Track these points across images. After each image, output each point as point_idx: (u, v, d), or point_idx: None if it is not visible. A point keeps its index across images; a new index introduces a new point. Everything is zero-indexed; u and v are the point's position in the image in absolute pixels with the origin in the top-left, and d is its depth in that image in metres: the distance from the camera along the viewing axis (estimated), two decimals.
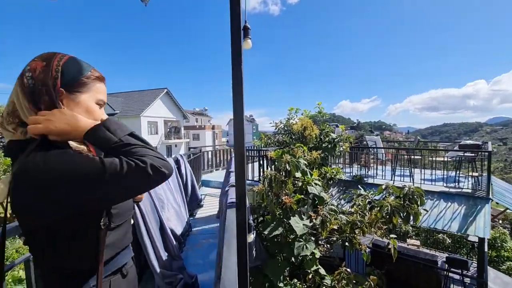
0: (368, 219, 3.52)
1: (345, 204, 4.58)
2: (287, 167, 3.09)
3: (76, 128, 0.67)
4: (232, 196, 1.21)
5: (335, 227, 3.70)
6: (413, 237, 8.91)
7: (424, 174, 5.24)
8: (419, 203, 3.16)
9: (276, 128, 5.04)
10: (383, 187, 3.40)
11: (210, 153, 7.99)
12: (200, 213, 3.55)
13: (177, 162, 3.21)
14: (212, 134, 44.88)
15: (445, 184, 4.92)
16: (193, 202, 3.39)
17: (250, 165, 5.15)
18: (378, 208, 3.31)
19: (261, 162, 4.71)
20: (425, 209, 3.63)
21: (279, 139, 5.08)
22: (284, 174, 3.24)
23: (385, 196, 3.38)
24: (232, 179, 1.72)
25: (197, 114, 55.08)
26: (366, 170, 5.81)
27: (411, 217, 3.19)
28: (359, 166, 6.00)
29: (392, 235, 3.43)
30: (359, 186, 3.56)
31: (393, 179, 5.07)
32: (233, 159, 3.24)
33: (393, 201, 3.10)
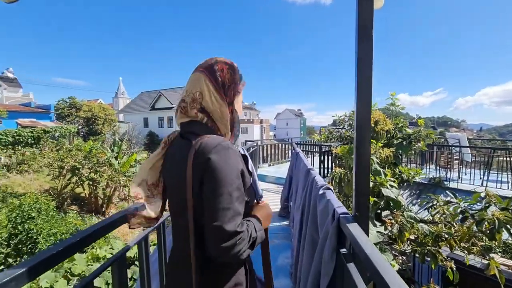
0: (458, 231, 2.94)
1: (421, 210, 3.96)
2: None
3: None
4: (337, 204, 0.97)
5: (412, 237, 3.20)
6: (499, 253, 7.46)
7: None
8: None
9: (338, 122, 4.61)
10: (482, 194, 2.78)
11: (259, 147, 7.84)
12: None
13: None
14: (260, 128, 45.30)
15: None
16: (255, 198, 3.23)
17: (309, 159, 4.85)
18: (476, 220, 2.72)
19: (322, 157, 4.37)
20: None
21: (342, 134, 4.64)
22: None
23: (485, 206, 2.76)
24: (318, 178, 1.48)
25: (246, 108, 56.11)
26: (447, 172, 4.95)
27: None
28: (437, 167, 5.15)
29: (492, 255, 2.80)
30: (446, 191, 2.98)
31: (484, 184, 4.19)
32: (300, 154, 2.98)
33: (501, 213, 2.49)
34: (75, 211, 10.72)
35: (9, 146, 14.82)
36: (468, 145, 5.27)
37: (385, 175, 3.18)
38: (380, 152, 3.54)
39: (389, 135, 3.95)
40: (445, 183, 4.54)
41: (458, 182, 4.52)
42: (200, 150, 0.74)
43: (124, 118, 32.98)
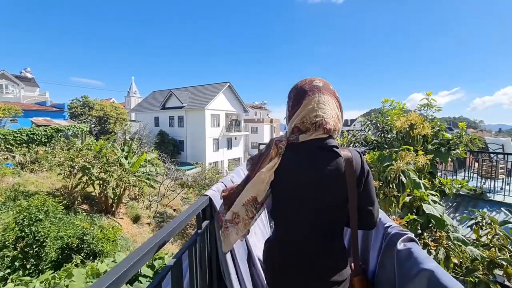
0: None
1: (461, 226, 3.47)
2: (403, 178, 2.28)
3: None
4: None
5: (455, 260, 2.74)
6: None
7: None
8: None
9: (364, 124, 4.16)
10: None
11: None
12: None
13: None
14: (270, 127, 44.82)
15: None
16: None
17: None
18: None
19: None
20: None
21: (367, 138, 4.18)
22: (394, 187, 2.44)
23: None
24: (384, 217, 1.09)
25: (256, 108, 55.73)
26: (484, 182, 4.38)
27: None
28: (479, 176, 4.56)
29: None
30: (500, 207, 2.50)
31: None
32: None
33: None
34: (85, 211, 10.66)
35: (24, 145, 15.05)
36: None
37: (426, 188, 2.73)
38: (417, 160, 3.08)
39: (423, 141, 3.48)
40: (488, 195, 3.98)
41: (505, 195, 3.92)
42: (356, 160, 0.98)
43: (136, 117, 33.25)
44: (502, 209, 2.58)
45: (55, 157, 10.75)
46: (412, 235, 0.89)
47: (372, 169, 3.21)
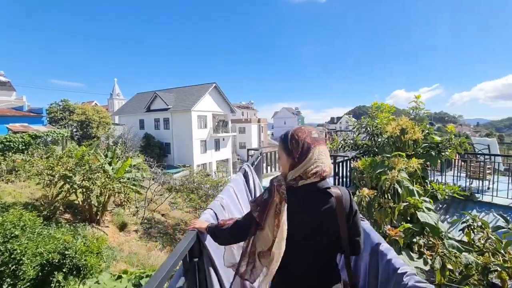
0: (510, 261, 2.47)
1: (452, 229, 3.48)
2: (398, 188, 2.22)
3: None
4: None
5: (451, 267, 2.72)
6: None
7: None
8: None
9: (354, 128, 4.11)
10: None
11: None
12: None
13: (245, 174, 2.59)
14: (257, 127, 44.73)
15: None
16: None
17: None
18: None
19: (337, 169, 3.86)
20: None
21: (357, 142, 4.14)
22: (389, 197, 2.38)
23: None
24: (395, 259, 0.99)
25: (243, 108, 55.54)
26: (471, 182, 4.43)
27: None
28: (468, 177, 4.60)
29: None
30: (494, 210, 2.50)
31: None
32: None
33: None
34: (68, 221, 10.16)
35: None
36: (498, 150, 4.75)
37: (419, 195, 2.69)
38: (408, 165, 3.05)
39: (415, 145, 3.47)
40: (476, 195, 4.02)
41: (492, 196, 3.96)
42: (345, 198, 1.13)
43: (120, 120, 32.27)
44: (492, 211, 2.58)
45: (32, 166, 10.18)
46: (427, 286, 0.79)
47: (364, 175, 3.16)
